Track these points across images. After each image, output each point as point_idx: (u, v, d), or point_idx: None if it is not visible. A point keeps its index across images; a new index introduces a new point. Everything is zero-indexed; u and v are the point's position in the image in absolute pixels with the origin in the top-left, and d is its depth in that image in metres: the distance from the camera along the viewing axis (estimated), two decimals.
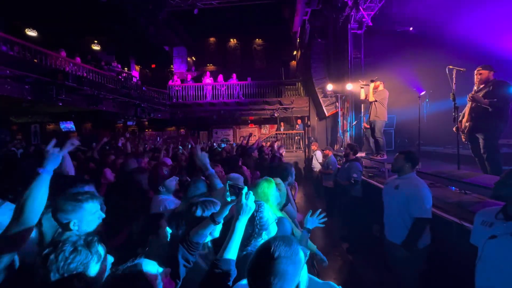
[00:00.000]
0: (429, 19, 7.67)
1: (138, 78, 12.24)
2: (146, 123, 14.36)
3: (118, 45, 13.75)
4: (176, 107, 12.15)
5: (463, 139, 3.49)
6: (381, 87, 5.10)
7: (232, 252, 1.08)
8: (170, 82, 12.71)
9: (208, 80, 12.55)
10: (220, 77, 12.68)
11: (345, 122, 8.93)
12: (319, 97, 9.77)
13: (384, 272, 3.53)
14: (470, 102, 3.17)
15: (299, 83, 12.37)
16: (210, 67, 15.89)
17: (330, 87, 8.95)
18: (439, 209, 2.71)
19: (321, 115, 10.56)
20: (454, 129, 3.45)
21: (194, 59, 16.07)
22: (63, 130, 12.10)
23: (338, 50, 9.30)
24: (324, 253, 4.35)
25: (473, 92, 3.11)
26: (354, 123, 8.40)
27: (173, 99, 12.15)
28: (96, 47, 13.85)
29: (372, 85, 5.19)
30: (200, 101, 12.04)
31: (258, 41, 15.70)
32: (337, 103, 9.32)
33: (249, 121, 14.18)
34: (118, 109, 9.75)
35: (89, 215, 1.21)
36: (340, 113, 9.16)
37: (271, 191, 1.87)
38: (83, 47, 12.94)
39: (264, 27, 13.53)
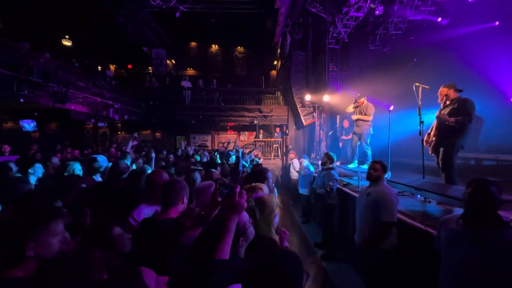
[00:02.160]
0: (400, 40, 8.34)
1: (112, 78, 11.69)
2: (119, 125, 13.65)
3: (92, 42, 13.07)
4: (152, 109, 11.73)
5: (430, 152, 3.75)
6: (365, 102, 5.42)
7: (225, 252, 1.05)
8: (147, 84, 12.30)
9: (187, 84, 12.34)
10: (200, 82, 12.55)
11: (321, 132, 9.23)
12: (298, 106, 10.03)
13: (356, 277, 3.64)
14: (437, 119, 3.44)
15: (279, 92, 12.64)
16: (190, 71, 15.68)
17: (308, 97, 9.26)
18: (407, 217, 2.87)
19: (299, 124, 10.83)
20: (424, 141, 3.70)
21: (174, 62, 15.77)
22: (24, 129, 11.07)
23: (317, 62, 9.71)
24: None
25: (439, 111, 3.39)
26: (330, 133, 8.73)
27: (150, 101, 11.73)
28: (67, 43, 13.03)
29: (350, 106, 5.56)
30: (178, 104, 11.76)
31: (239, 49, 15.87)
32: (314, 113, 9.64)
33: (228, 127, 14.11)
34: (89, 109, 9.17)
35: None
36: (317, 123, 9.46)
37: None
38: (53, 41, 12.11)
39: (247, 35, 13.71)
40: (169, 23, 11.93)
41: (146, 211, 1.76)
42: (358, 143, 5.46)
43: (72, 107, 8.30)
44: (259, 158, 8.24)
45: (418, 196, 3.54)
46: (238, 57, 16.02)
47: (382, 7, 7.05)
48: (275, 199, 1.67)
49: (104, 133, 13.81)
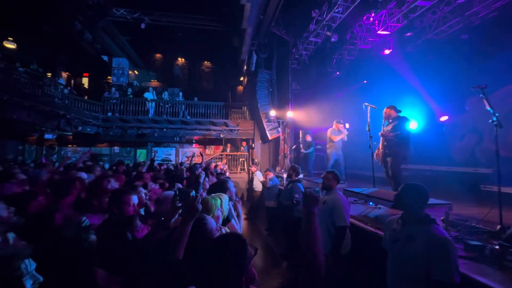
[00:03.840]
0: (353, 64, 9.37)
1: (65, 86, 10.76)
2: (71, 137, 12.44)
3: (42, 46, 11.96)
4: (111, 121, 11.01)
5: (380, 163, 4.25)
6: (340, 127, 6.27)
7: (178, 253, 1.10)
8: (106, 94, 11.57)
9: (151, 95, 11.95)
10: (165, 94, 12.26)
11: (286, 146, 9.66)
12: (263, 121, 10.40)
13: (320, 285, 3.80)
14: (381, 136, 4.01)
15: (245, 107, 12.95)
16: (155, 82, 15.23)
17: (273, 113, 9.69)
18: (361, 222, 3.17)
19: (264, 139, 11.17)
20: (374, 155, 4.19)
21: (136, 72, 15.18)
22: None
23: (281, 80, 10.32)
24: (264, 272, 4.44)
25: (382, 130, 3.96)
26: (293, 147, 9.18)
27: (108, 112, 11.01)
28: (10, 45, 11.70)
29: (330, 130, 6.35)
30: (141, 116, 11.24)
31: (207, 63, 16.00)
32: (279, 128, 10.08)
33: (194, 141, 13.85)
34: (35, 119, 8.24)
35: None
36: (281, 137, 9.89)
37: (216, 205, 1.90)
38: None
39: (214, 51, 13.97)
40: (133, 34, 11.61)
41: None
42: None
43: (15, 117, 7.40)
44: (226, 172, 8.22)
45: (370, 203, 3.94)
46: (205, 71, 16.11)
47: (337, 35, 7.92)
48: (214, 201, 1.76)
49: (51, 145, 12.41)
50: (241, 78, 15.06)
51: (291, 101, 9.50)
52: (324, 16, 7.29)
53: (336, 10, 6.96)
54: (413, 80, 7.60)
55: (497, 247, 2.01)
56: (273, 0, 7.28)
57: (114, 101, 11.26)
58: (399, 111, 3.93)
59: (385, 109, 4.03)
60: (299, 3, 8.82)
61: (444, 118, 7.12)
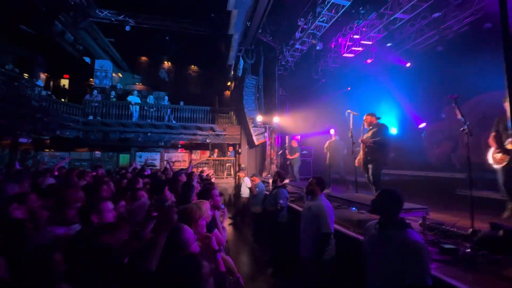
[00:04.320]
0: (337, 72, 9.63)
1: (43, 88, 10.30)
2: (48, 141, 11.86)
3: (20, 46, 11.43)
4: (92, 125, 10.62)
5: (361, 169, 4.35)
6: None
7: (152, 263, 1.07)
8: (88, 97, 11.18)
9: (135, 99, 11.68)
10: (151, 98, 12.03)
11: (272, 151, 9.70)
12: (250, 126, 10.42)
13: None
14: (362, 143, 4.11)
15: (232, 112, 12.93)
16: (139, 86, 14.92)
17: (260, 118, 9.74)
18: (343, 227, 3.22)
19: (251, 144, 11.17)
20: (356, 161, 4.28)
21: (120, 75, 14.82)
22: None
23: (268, 86, 10.41)
24: (250, 278, 4.38)
25: (362, 136, 4.09)
26: (280, 152, 9.24)
27: (90, 116, 10.63)
28: None
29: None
30: (124, 120, 10.94)
31: (193, 67, 15.90)
32: (265, 133, 10.12)
33: (179, 146, 13.62)
34: (8, 122, 7.81)
35: None
36: (268, 143, 9.94)
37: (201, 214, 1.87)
38: None
39: (201, 55, 13.91)
40: (118, 36, 11.36)
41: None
42: None
43: None
44: (212, 177, 8.12)
45: (353, 208, 4.02)
46: (192, 75, 15.99)
47: (322, 44, 8.14)
48: (198, 210, 1.74)
49: (25, 150, 11.77)
50: (228, 83, 15.08)
51: (278, 106, 9.61)
52: (310, 24, 7.48)
53: (320, 20, 7.17)
54: (393, 88, 7.93)
55: (468, 250, 2.10)
56: (260, 8, 7.39)
57: (96, 104, 10.90)
58: (379, 118, 4.06)
59: (365, 116, 4.15)
60: (285, 11, 9.01)
61: (422, 125, 7.45)
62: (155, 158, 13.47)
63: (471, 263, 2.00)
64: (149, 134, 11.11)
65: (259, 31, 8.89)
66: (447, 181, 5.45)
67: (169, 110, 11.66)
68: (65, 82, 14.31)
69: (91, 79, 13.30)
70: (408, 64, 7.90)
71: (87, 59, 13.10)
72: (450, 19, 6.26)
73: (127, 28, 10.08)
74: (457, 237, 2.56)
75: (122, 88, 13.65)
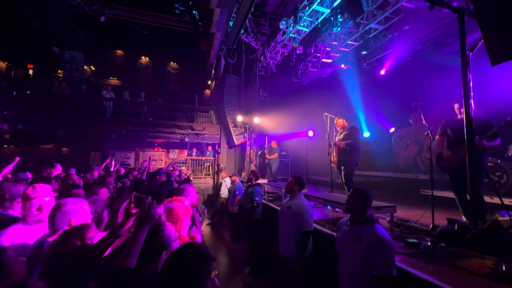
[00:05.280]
0: (316, 75, 9.96)
1: (2, 77, 9.43)
2: (7, 136, 10.86)
3: None
4: (60, 120, 9.91)
5: (335, 170, 4.56)
6: None
7: (130, 262, 1.05)
8: (55, 89, 10.43)
9: (110, 94, 11.12)
10: (126, 94, 11.52)
11: (251, 151, 9.77)
12: (230, 126, 10.39)
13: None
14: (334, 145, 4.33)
15: (212, 111, 12.80)
16: (114, 81, 14.23)
17: (240, 118, 9.76)
18: (319, 225, 3.36)
19: (230, 144, 11.14)
20: (331, 162, 4.48)
21: (93, 68, 14.02)
22: None
23: (248, 87, 10.47)
24: (227, 278, 4.40)
25: (334, 139, 4.28)
26: (259, 153, 9.34)
27: (58, 110, 9.92)
28: None
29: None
30: (96, 116, 10.36)
31: (173, 64, 15.51)
32: (245, 134, 10.16)
33: (156, 144, 13.19)
34: None
35: None
36: (248, 143, 9.98)
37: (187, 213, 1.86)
38: None
39: (181, 52, 13.62)
40: (92, 27, 10.74)
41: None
42: None
43: None
44: (190, 177, 7.98)
45: (328, 207, 4.20)
46: (171, 72, 15.57)
47: (302, 48, 8.38)
48: (185, 209, 1.76)
49: None
50: (209, 82, 14.92)
51: (258, 107, 9.70)
52: (291, 28, 7.67)
53: (301, 24, 7.38)
54: (367, 93, 8.39)
55: (429, 243, 2.31)
56: (243, 8, 7.43)
57: (65, 97, 10.21)
58: (348, 121, 4.34)
59: (336, 119, 4.38)
60: (268, 14, 9.15)
61: (392, 130, 7.96)
62: (129, 157, 12.91)
63: (431, 255, 2.21)
64: (124, 131, 10.63)
65: (241, 31, 8.91)
66: (413, 182, 5.90)
67: (146, 107, 11.26)
68: (28, 72, 13.21)
69: (60, 71, 12.42)
70: (383, 72, 8.40)
71: (55, 49, 12.22)
72: (418, 33, 6.78)
73: (102, 19, 9.57)
74: (420, 232, 2.81)
75: (95, 82, 12.92)
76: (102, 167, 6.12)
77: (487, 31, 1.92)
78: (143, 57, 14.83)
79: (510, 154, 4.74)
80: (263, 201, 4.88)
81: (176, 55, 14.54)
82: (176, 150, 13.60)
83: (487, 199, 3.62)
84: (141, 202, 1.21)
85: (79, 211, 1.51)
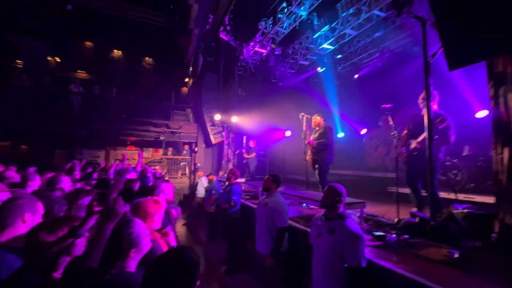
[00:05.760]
0: (293, 77, 10.17)
1: None
2: None
3: None
4: (19, 115, 9.06)
5: (310, 168, 4.70)
6: None
7: (92, 261, 1.01)
8: (13, 81, 9.52)
9: (78, 88, 10.39)
10: (96, 89, 10.85)
11: (229, 150, 9.72)
12: (207, 125, 10.24)
13: (256, 284, 3.92)
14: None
15: (189, 109, 12.51)
16: (82, 74, 13.31)
17: (218, 117, 9.66)
18: (295, 221, 3.44)
19: (208, 143, 10.98)
20: (306, 161, 4.61)
21: (58, 60, 13.00)
22: None
23: (227, 85, 10.39)
24: (203, 278, 4.32)
25: (309, 138, 4.44)
26: (237, 152, 9.32)
27: (16, 104, 9.06)
28: None
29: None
30: (62, 112, 9.62)
31: (148, 59, 14.90)
32: (223, 133, 10.08)
33: (129, 142, 12.59)
34: None
35: None
36: (225, 142, 9.91)
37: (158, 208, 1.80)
38: None
39: (157, 48, 13.12)
40: (56, 15, 9.96)
41: None
42: None
43: None
44: (165, 176, 7.73)
45: (303, 204, 4.32)
46: (146, 67, 14.95)
47: (280, 49, 8.51)
48: (155, 205, 1.71)
49: None
50: (186, 79, 14.56)
51: (236, 106, 9.67)
52: (270, 29, 7.76)
53: (280, 25, 7.50)
54: (342, 95, 8.76)
55: (394, 236, 2.48)
56: (222, 6, 7.36)
57: (25, 90, 9.35)
58: (325, 120, 4.50)
59: (314, 117, 4.52)
60: (248, 13, 9.15)
61: (363, 131, 8.40)
62: (99, 155, 12.19)
63: (396, 246, 2.37)
64: (93, 128, 9.99)
65: (220, 29, 8.83)
66: (381, 180, 6.27)
67: (118, 103, 10.70)
68: None
69: (18, 61, 11.35)
70: (356, 76, 8.83)
71: (12, 37, 11.12)
72: (387, 40, 7.22)
73: (69, 7, 8.93)
74: (386, 226, 3.00)
75: (61, 75, 11.99)
76: (67, 167, 5.70)
77: (445, 39, 2.11)
78: (115, 51, 14.05)
79: (465, 154, 5.24)
80: (241, 200, 4.87)
81: (152, 50, 13.98)
82: (150, 149, 13.09)
83: (445, 195, 3.97)
84: (105, 199, 1.15)
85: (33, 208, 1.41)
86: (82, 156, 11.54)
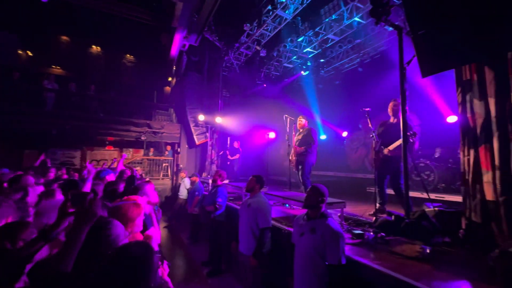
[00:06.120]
0: (278, 79, 10.29)
1: None
2: None
3: None
4: None
5: (294, 169, 4.77)
6: None
7: (65, 265, 0.97)
8: None
9: (52, 85, 9.84)
10: (73, 86, 10.33)
11: (213, 151, 9.62)
12: (191, 125, 10.08)
13: (238, 286, 3.91)
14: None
15: (172, 109, 12.25)
16: (57, 70, 12.62)
17: (202, 117, 9.55)
18: (278, 222, 3.47)
19: (191, 143, 10.80)
20: (290, 162, 4.68)
21: (30, 54, 12.23)
22: None
23: (211, 86, 10.31)
24: (184, 281, 4.25)
25: (293, 140, 4.52)
26: (221, 153, 9.26)
27: None
28: None
29: None
30: (34, 109, 9.05)
31: (129, 57, 14.42)
32: (207, 133, 9.97)
33: (108, 143, 12.07)
34: None
35: None
36: (209, 143, 9.81)
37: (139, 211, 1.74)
38: None
39: (139, 45, 12.75)
40: (29, 6, 9.39)
41: None
42: None
43: None
44: (145, 178, 7.50)
45: (286, 205, 4.37)
46: (127, 65, 14.46)
47: (265, 51, 8.59)
48: (136, 207, 1.66)
49: None
50: (170, 79, 14.25)
51: (221, 107, 9.62)
52: (255, 31, 7.81)
53: (265, 28, 7.57)
54: (324, 98, 8.99)
55: (371, 234, 2.58)
56: (207, 6, 7.31)
57: None
58: (308, 121, 4.62)
59: (300, 118, 4.61)
60: (233, 14, 9.14)
61: (345, 134, 8.67)
62: (74, 156, 11.58)
63: (373, 243, 2.47)
64: (68, 127, 9.47)
65: (205, 29, 8.75)
66: (361, 181, 6.51)
67: (96, 101, 10.25)
68: None
69: None
70: (337, 82, 9.11)
71: None
72: (367, 46, 7.53)
73: None
74: (364, 225, 3.12)
75: (33, 70, 11.29)
76: (37, 164, 5.39)
77: (419, 48, 2.25)
78: (93, 46, 13.47)
79: (437, 156, 5.57)
80: (226, 203, 4.83)
81: (134, 48, 13.55)
82: (130, 149, 12.65)
83: (417, 194, 4.19)
84: (80, 201, 1.10)
85: None
86: (56, 156, 10.93)
